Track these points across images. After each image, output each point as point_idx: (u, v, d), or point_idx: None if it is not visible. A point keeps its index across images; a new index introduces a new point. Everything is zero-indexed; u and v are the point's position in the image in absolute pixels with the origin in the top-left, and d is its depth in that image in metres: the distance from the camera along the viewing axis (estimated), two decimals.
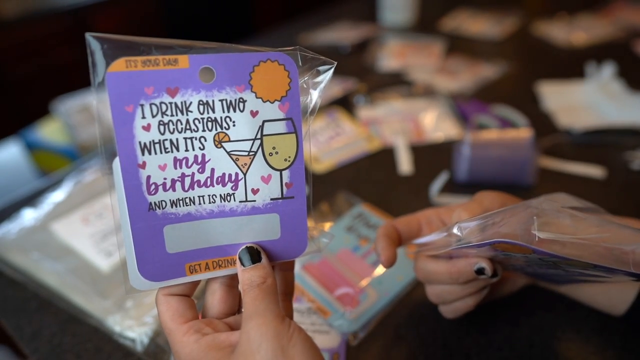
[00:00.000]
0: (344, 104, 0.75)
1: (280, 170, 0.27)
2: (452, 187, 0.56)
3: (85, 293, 0.43)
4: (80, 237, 0.49)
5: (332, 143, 0.65)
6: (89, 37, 0.22)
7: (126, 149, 0.24)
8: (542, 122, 0.67)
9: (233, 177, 0.26)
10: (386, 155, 0.63)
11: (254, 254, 0.26)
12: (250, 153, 0.26)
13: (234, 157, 0.26)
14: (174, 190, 0.25)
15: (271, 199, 0.27)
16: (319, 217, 0.51)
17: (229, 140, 0.25)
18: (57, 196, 0.56)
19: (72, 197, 0.55)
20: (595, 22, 1.03)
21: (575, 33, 0.98)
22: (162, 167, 0.25)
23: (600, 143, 0.63)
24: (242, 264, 0.26)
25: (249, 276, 0.25)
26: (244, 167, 0.26)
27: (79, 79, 1.65)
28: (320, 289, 0.42)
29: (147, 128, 0.24)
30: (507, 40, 0.99)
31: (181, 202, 0.25)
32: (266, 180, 0.26)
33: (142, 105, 0.24)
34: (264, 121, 0.26)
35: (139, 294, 0.43)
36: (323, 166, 0.61)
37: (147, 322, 0.40)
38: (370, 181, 0.57)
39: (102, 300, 0.42)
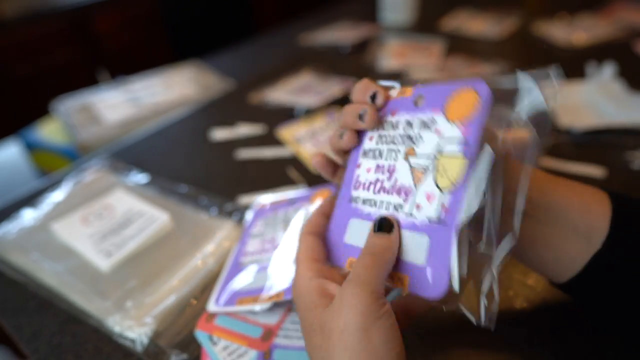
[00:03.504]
0: (344, 103, 0.75)
1: (443, 192, 0.26)
2: None
3: (85, 293, 0.43)
4: (80, 237, 0.49)
5: None
6: (520, 74, 0.25)
7: (355, 152, 0.31)
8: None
9: (407, 189, 0.28)
10: None
11: (387, 224, 0.27)
12: (426, 169, 0.27)
13: (413, 171, 0.28)
14: (368, 190, 0.30)
15: (427, 218, 0.26)
16: None
17: (414, 154, 0.28)
18: (56, 196, 0.56)
19: (72, 197, 0.55)
20: (595, 22, 1.03)
21: (575, 33, 0.98)
22: (368, 170, 0.30)
23: (601, 143, 0.63)
24: (373, 229, 0.28)
25: (372, 241, 0.27)
26: (417, 181, 0.28)
27: (78, 78, 1.65)
28: None
29: (371, 139, 0.31)
30: (507, 40, 0.99)
31: (369, 202, 0.30)
32: (429, 198, 0.27)
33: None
34: (443, 139, 0.27)
35: None
36: None
37: (147, 322, 0.40)
38: None
39: (102, 301, 0.42)
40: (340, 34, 1.04)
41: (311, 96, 0.77)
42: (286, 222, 0.46)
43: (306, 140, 0.66)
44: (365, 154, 0.31)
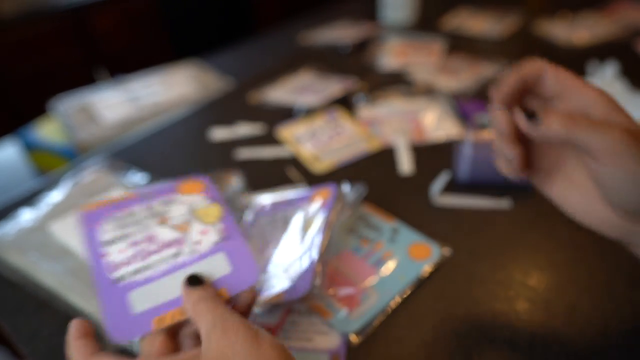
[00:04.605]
0: (344, 103, 0.75)
1: (214, 225, 0.34)
2: (453, 187, 0.55)
3: (83, 294, 0.43)
4: (79, 238, 0.49)
5: (332, 143, 0.65)
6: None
7: (91, 251, 0.32)
8: None
9: (178, 239, 0.33)
10: (386, 155, 0.63)
11: (196, 279, 0.29)
12: (188, 220, 0.34)
13: (176, 227, 0.33)
14: (134, 264, 0.31)
15: (212, 243, 0.33)
16: None
17: (169, 219, 0.34)
18: (55, 196, 0.55)
19: (71, 197, 0.55)
20: (597, 21, 1.03)
21: (577, 32, 0.98)
22: (121, 251, 0.32)
23: None
24: (186, 286, 0.28)
25: (198, 293, 0.28)
26: (184, 230, 0.33)
27: (77, 78, 1.65)
28: (320, 290, 0.42)
29: (105, 232, 0.33)
30: (508, 39, 0.99)
31: (141, 269, 0.31)
32: (205, 232, 0.33)
33: (103, 222, 0.33)
34: (192, 203, 0.35)
35: None
36: (323, 166, 0.60)
37: None
38: (370, 181, 0.57)
39: None
40: (340, 33, 1.04)
41: (311, 95, 0.76)
42: (285, 222, 0.46)
43: (306, 140, 0.66)
44: (107, 244, 0.32)
